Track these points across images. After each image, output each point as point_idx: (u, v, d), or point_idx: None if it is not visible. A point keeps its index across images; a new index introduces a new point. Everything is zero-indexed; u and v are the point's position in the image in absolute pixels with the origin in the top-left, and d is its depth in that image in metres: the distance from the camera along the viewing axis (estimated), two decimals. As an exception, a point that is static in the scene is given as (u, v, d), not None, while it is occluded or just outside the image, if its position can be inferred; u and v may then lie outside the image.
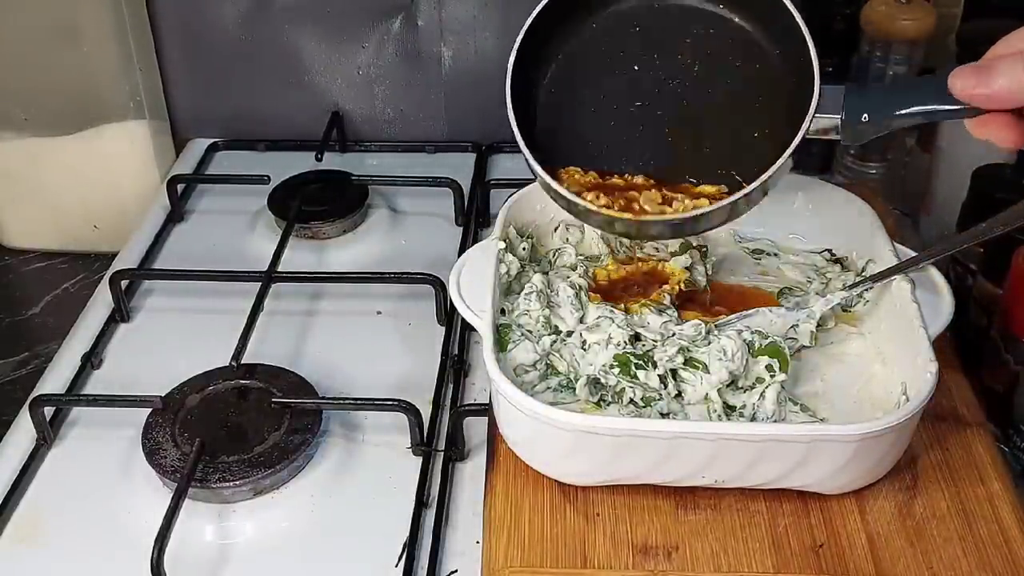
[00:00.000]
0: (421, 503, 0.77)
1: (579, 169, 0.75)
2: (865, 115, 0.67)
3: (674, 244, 0.84)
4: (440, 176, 1.08)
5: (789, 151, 0.67)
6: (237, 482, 0.76)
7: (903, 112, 0.66)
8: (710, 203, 0.70)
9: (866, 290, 0.77)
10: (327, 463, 0.80)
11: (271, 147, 1.21)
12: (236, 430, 0.80)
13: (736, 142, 0.74)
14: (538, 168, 0.71)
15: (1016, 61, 0.58)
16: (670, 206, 0.72)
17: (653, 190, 0.73)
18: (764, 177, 0.68)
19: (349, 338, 0.93)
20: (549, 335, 0.76)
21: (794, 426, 0.70)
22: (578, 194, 0.71)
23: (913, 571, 0.65)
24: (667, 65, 0.75)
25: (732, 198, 0.69)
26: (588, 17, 0.75)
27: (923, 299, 0.73)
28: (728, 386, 0.72)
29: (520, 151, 0.72)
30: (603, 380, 0.73)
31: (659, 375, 0.72)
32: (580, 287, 0.78)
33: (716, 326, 0.75)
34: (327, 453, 0.80)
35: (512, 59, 0.72)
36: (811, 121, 0.68)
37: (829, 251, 0.84)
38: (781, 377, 0.73)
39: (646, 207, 0.72)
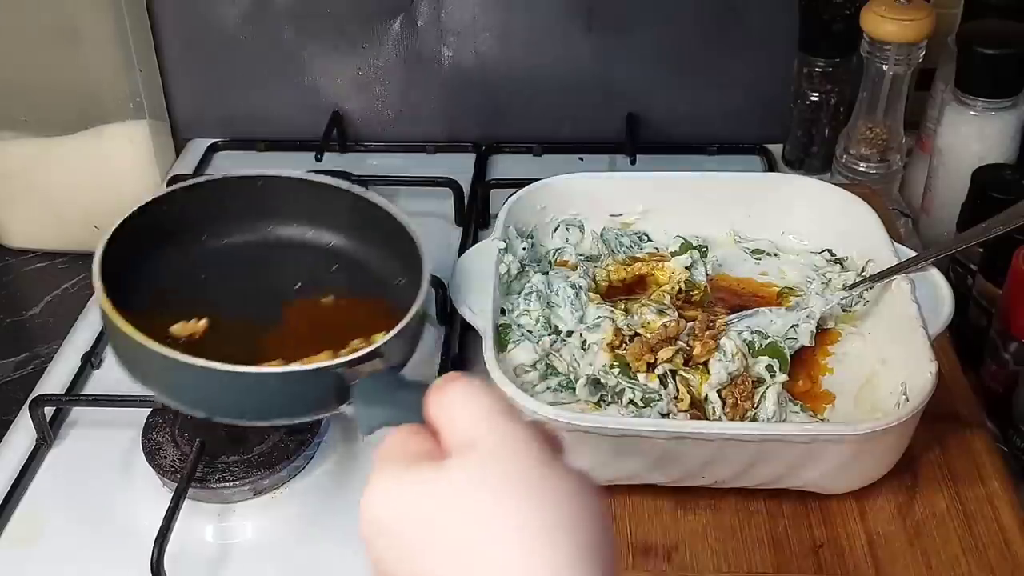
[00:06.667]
0: (421, 503, 0.77)
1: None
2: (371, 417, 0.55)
3: (674, 244, 0.84)
4: (440, 176, 1.08)
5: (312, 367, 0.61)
6: (237, 482, 0.76)
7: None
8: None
9: (866, 290, 0.77)
10: (327, 464, 0.80)
11: (271, 147, 1.20)
12: (236, 430, 0.80)
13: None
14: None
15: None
16: None
17: None
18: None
19: (349, 338, 0.92)
20: (549, 335, 0.76)
21: (794, 426, 0.70)
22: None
23: (913, 571, 0.65)
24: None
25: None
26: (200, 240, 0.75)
27: (923, 299, 0.73)
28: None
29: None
30: (603, 380, 0.73)
31: (659, 375, 0.72)
32: (580, 287, 0.78)
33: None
34: (327, 454, 0.80)
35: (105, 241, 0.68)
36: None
37: (829, 251, 0.84)
38: (781, 377, 0.73)
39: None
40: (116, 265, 0.67)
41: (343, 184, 0.75)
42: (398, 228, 0.70)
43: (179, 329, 0.69)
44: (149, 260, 0.72)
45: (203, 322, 0.69)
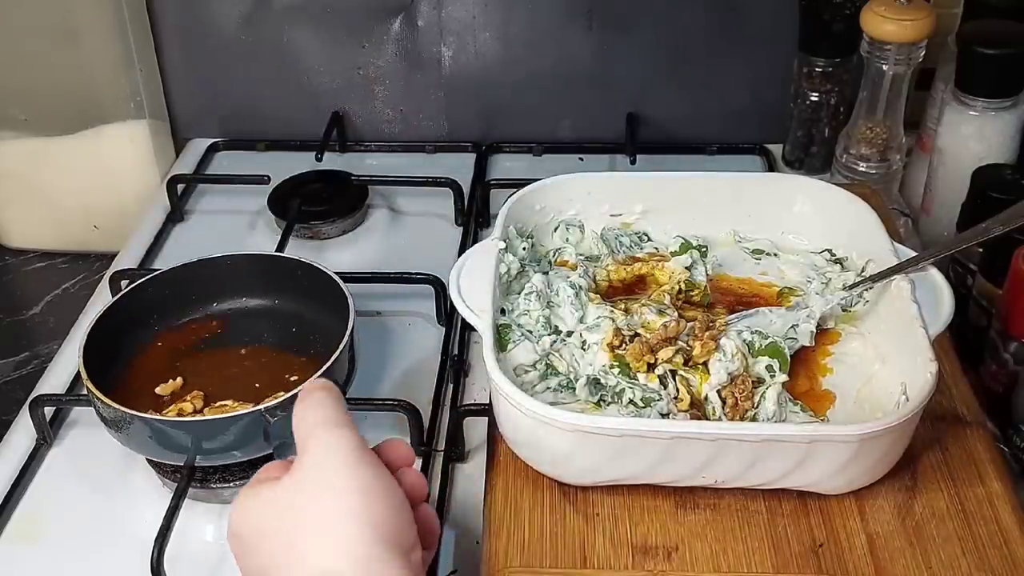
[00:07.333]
0: (421, 503, 0.77)
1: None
2: None
3: (674, 244, 0.84)
4: (440, 176, 1.08)
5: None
6: (237, 482, 0.76)
7: None
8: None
9: (866, 290, 0.77)
10: (327, 463, 0.80)
11: (271, 147, 1.21)
12: (236, 430, 0.80)
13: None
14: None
15: None
16: None
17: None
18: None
19: (349, 338, 0.93)
20: (549, 335, 0.76)
21: (794, 426, 0.70)
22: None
23: (912, 571, 0.65)
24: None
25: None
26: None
27: (923, 299, 0.73)
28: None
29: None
30: (603, 380, 0.73)
31: (659, 375, 0.72)
32: (580, 287, 0.78)
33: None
34: (327, 453, 0.80)
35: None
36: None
37: (829, 251, 0.84)
38: (781, 377, 0.73)
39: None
40: (105, 340, 0.81)
41: (295, 256, 0.88)
42: (342, 293, 0.83)
43: (162, 389, 0.82)
44: (131, 334, 0.85)
45: (179, 380, 0.82)
